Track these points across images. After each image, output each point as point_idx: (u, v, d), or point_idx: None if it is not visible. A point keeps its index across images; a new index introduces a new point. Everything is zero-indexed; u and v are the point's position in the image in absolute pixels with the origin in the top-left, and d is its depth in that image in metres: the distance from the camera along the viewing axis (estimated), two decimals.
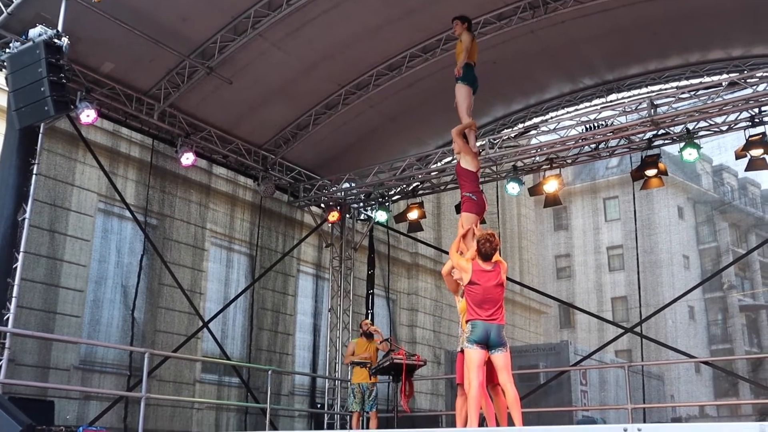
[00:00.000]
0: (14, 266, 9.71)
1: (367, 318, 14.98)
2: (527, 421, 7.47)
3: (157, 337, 13.44)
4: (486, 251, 7.23)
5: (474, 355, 7.01)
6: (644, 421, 14.12)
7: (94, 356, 12.91)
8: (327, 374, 15.54)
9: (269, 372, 12.49)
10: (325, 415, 15.27)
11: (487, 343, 7.01)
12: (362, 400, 11.65)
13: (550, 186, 13.73)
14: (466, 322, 7.22)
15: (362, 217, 16.83)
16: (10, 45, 9.50)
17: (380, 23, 11.98)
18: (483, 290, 7.10)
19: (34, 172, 10.07)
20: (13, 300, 9.59)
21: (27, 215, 9.87)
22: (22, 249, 9.79)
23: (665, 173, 13.16)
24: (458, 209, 11.97)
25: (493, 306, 7.10)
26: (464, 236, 8.13)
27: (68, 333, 12.20)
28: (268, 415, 12.19)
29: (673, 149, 13.57)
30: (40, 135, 10.15)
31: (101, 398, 12.38)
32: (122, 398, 12.12)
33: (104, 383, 12.77)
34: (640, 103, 12.19)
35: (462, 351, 7.81)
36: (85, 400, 12.34)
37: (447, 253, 16.97)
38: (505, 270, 7.37)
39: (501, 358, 7.04)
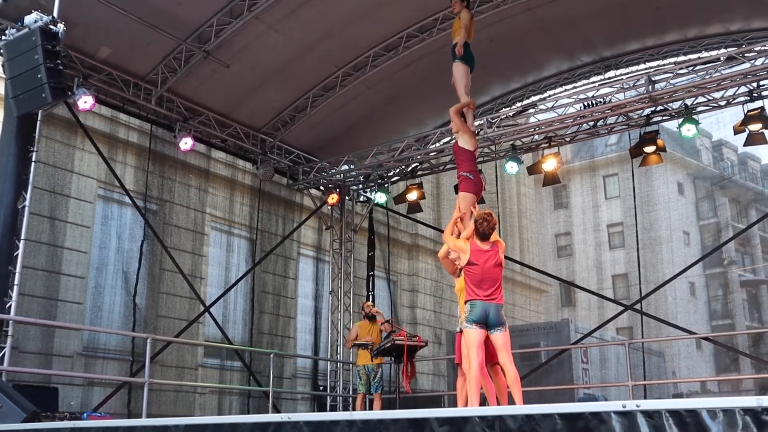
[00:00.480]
0: (15, 254, 9.72)
1: (368, 300, 15.02)
2: (528, 399, 7.51)
3: (159, 322, 13.49)
4: (484, 231, 7.22)
5: (473, 335, 7.02)
6: (645, 398, 14.19)
7: (96, 342, 12.96)
8: (329, 357, 15.60)
9: (271, 355, 12.54)
10: (328, 397, 15.36)
11: (486, 323, 7.02)
12: (368, 382, 11.69)
13: (549, 164, 13.73)
14: (465, 302, 7.22)
15: (362, 198, 16.83)
16: (6, 32, 9.45)
17: (376, 3, 11.92)
18: (481, 270, 7.09)
19: (33, 159, 10.07)
20: (15, 288, 9.62)
21: (27, 203, 9.87)
22: (22, 236, 9.81)
23: (664, 150, 13.14)
24: (457, 189, 11.96)
25: (491, 285, 7.09)
26: (461, 218, 8.13)
27: (70, 320, 12.24)
28: (270, 399, 12.27)
29: (671, 125, 13.54)
30: (38, 122, 10.13)
31: (104, 384, 12.44)
32: (125, 384, 12.18)
33: (107, 369, 12.83)
34: (638, 80, 12.15)
35: (461, 331, 7.84)
36: (89, 386, 12.40)
37: None
38: (503, 249, 7.36)
39: (500, 338, 7.05)
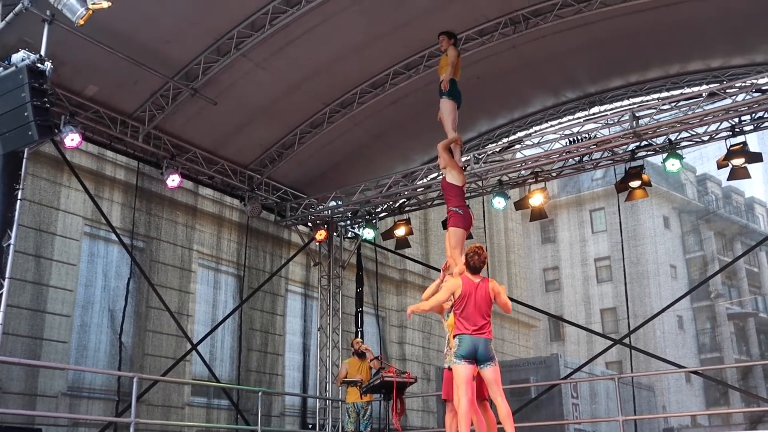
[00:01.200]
0: (0, 292, 9.62)
1: (357, 336, 14.94)
2: None
3: (146, 360, 13.34)
4: (474, 264, 7.21)
5: (462, 371, 6.95)
6: None
7: (82, 382, 12.78)
8: (317, 394, 15.45)
9: (259, 393, 12.41)
10: None
11: (475, 358, 6.98)
12: (357, 419, 11.59)
13: (536, 199, 13.79)
14: (454, 336, 7.17)
15: (349, 234, 16.81)
16: None
17: (363, 41, 12.05)
18: (472, 303, 7.06)
19: (19, 197, 9.98)
20: None
21: (12, 241, 9.77)
22: (7, 275, 9.69)
23: (649, 184, 13.25)
24: (445, 225, 11.97)
25: (481, 319, 7.05)
26: (446, 266, 8.17)
27: (55, 359, 12.08)
28: None
29: (656, 160, 13.69)
30: (24, 160, 10.09)
31: (90, 425, 12.26)
32: (111, 424, 12.00)
33: (93, 409, 12.63)
34: (623, 116, 12.28)
35: (449, 368, 7.81)
36: (74, 427, 12.22)
37: (435, 269, 16.96)
38: (495, 290, 7.25)
39: (490, 373, 7.00)
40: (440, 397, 8.85)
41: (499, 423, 7.19)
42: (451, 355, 7.78)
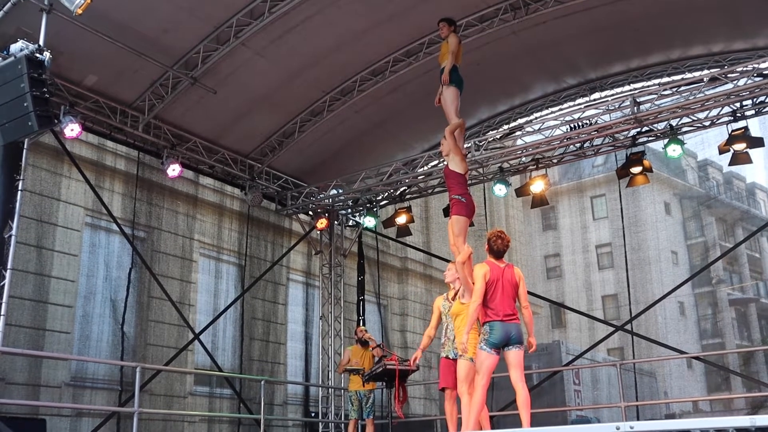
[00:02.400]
0: (2, 284, 9.60)
1: (360, 325, 14.96)
2: (519, 422, 7.41)
3: (148, 350, 13.36)
4: (498, 248, 7.15)
5: (488, 361, 6.83)
6: (638, 419, 14.15)
7: (84, 372, 12.81)
8: (320, 382, 15.48)
9: (262, 382, 12.43)
10: (320, 423, 15.22)
11: (505, 345, 6.85)
12: (360, 407, 11.62)
13: (537, 186, 13.77)
14: (483, 323, 7.02)
15: (351, 223, 16.80)
16: None
17: (362, 28, 11.99)
18: (500, 288, 6.95)
19: (20, 188, 9.97)
20: (2, 318, 9.48)
21: (13, 232, 9.77)
22: (9, 266, 9.68)
23: (650, 170, 13.21)
24: (446, 212, 11.95)
25: (511, 305, 6.95)
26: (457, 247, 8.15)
27: (58, 349, 12.11)
28: (262, 426, 12.13)
29: (657, 146, 13.65)
30: (24, 150, 10.07)
31: (93, 415, 12.28)
32: (114, 414, 12.02)
33: (96, 399, 12.66)
34: (623, 101, 12.25)
35: (447, 356, 7.82)
36: (77, 417, 12.24)
37: (436, 257, 16.93)
38: (519, 274, 7.26)
39: (515, 356, 6.86)
40: None
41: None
42: (450, 345, 7.80)
